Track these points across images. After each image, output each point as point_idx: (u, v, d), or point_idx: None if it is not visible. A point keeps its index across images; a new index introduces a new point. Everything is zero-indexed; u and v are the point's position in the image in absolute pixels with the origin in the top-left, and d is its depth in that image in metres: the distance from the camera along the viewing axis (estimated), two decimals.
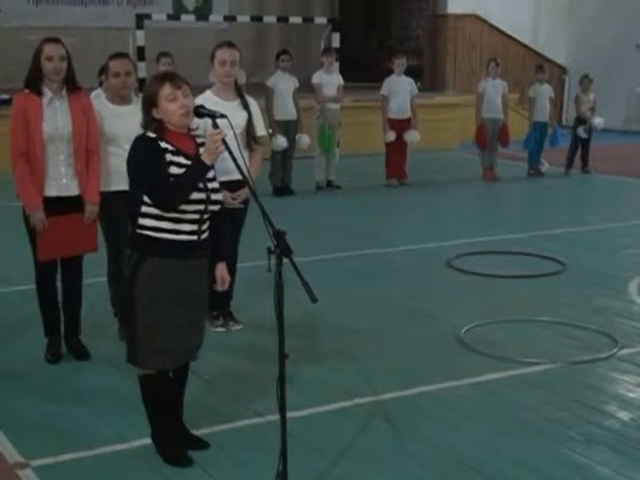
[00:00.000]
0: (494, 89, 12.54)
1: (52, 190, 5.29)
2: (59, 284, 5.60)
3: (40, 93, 5.21)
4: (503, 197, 12.21)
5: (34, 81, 5.22)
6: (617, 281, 7.49)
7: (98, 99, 5.85)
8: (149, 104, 4.02)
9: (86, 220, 5.39)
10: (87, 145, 5.37)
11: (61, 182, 5.31)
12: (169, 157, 3.96)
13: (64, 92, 5.27)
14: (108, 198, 5.51)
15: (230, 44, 5.90)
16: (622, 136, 17.46)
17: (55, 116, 5.23)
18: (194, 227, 4.02)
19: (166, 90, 3.97)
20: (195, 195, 3.96)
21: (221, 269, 4.29)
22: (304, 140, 11.27)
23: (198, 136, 4.18)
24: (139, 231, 4.01)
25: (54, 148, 5.25)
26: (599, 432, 4.62)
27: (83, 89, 5.43)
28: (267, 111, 10.78)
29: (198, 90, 5.76)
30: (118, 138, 5.53)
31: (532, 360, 5.60)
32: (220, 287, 4.31)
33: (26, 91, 5.24)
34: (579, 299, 6.98)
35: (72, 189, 5.35)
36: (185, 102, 4.00)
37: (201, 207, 4.00)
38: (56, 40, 5.26)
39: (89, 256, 5.62)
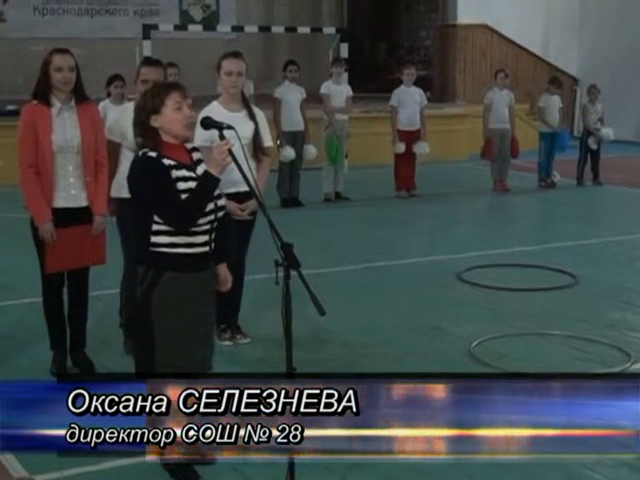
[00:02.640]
0: (501, 99, 12.52)
1: (61, 201, 5.26)
2: (66, 297, 5.56)
3: (49, 104, 5.18)
4: (514, 209, 12.15)
5: (43, 92, 5.19)
6: (630, 294, 7.42)
7: (126, 104, 5.79)
8: (149, 111, 3.96)
9: (94, 232, 5.34)
10: (95, 156, 5.34)
11: (70, 193, 5.28)
12: (174, 173, 3.93)
13: (73, 103, 5.24)
14: (121, 205, 5.45)
15: (236, 54, 5.86)
16: (634, 147, 17.33)
17: (64, 127, 5.20)
18: (206, 238, 4.01)
19: (174, 97, 3.94)
20: (207, 207, 3.94)
21: (223, 269, 4.30)
22: (310, 151, 11.24)
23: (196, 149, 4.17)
24: (153, 249, 3.96)
25: (63, 159, 5.22)
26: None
27: (91, 100, 5.41)
28: (275, 122, 10.75)
29: (205, 101, 5.75)
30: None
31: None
32: (223, 287, 4.31)
33: (34, 102, 5.22)
34: (591, 312, 6.91)
35: (81, 200, 5.32)
36: (189, 113, 3.98)
37: (212, 217, 3.99)
38: (65, 50, 5.23)
39: (97, 267, 5.58)
